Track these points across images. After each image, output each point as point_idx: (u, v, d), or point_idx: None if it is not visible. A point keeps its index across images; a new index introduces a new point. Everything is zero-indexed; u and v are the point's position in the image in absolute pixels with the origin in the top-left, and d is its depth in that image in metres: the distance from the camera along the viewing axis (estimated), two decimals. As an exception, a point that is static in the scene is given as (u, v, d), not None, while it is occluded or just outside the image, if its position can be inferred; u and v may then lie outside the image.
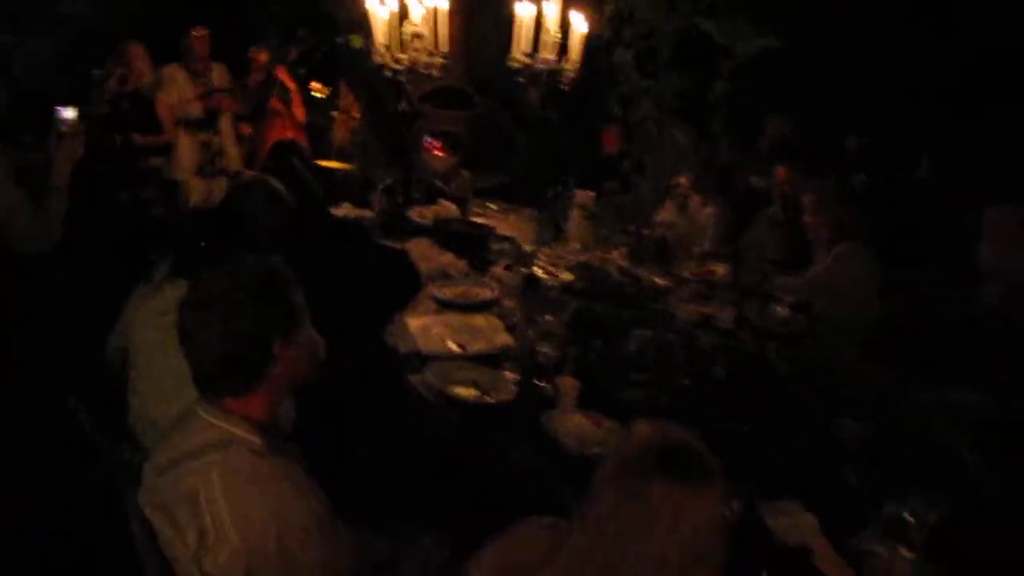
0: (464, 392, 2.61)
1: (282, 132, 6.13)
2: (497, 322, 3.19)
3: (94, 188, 3.73)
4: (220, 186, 5.48)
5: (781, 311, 3.31)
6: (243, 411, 1.62)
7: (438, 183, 4.90)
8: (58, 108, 2.78)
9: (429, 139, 5.50)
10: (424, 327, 3.09)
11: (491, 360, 2.85)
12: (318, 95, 6.22)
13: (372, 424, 2.65)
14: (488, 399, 2.59)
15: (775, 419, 2.50)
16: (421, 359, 2.83)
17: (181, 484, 1.58)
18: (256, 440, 1.60)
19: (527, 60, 4.09)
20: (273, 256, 1.79)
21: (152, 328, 2.32)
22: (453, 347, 2.94)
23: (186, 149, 5.60)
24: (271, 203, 2.61)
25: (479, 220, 4.46)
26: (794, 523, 2.04)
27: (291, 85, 6.12)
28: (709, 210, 4.30)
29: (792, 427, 2.46)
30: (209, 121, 5.70)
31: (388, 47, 4.33)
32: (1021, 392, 2.71)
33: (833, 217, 3.63)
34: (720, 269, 3.82)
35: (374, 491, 2.25)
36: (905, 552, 1.91)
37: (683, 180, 4.41)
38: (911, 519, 2.01)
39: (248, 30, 6.58)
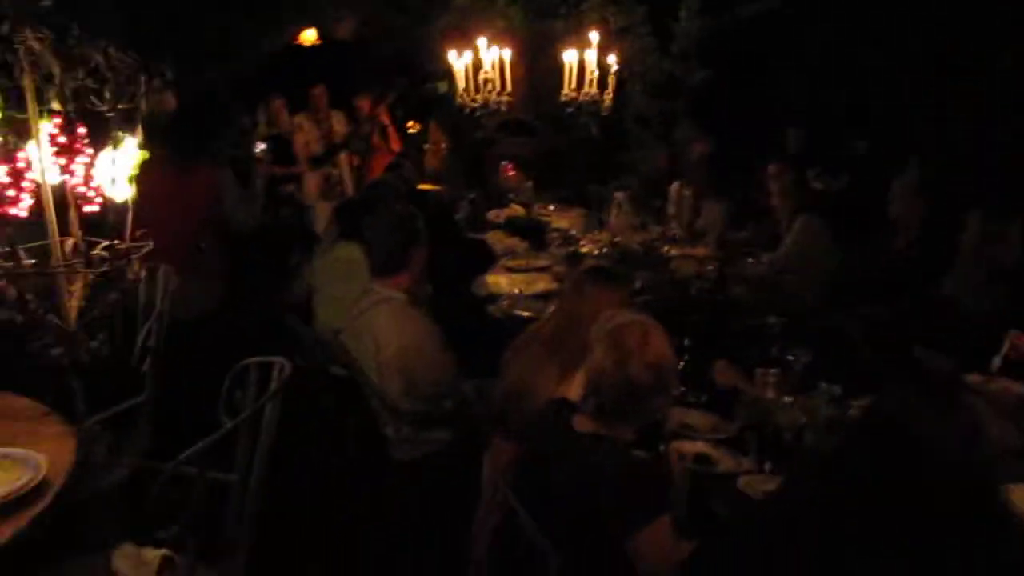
0: (525, 312, 4.20)
1: (383, 162, 7.87)
2: (548, 278, 4.77)
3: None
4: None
5: (754, 264, 4.79)
6: (396, 284, 3.24)
7: (510, 194, 6.55)
8: (258, 143, 4.52)
9: (503, 162, 7.17)
10: (497, 282, 4.71)
11: (544, 297, 4.42)
12: (412, 131, 7.97)
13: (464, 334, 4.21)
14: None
15: (726, 323, 4.00)
16: (493, 298, 4.44)
17: (365, 320, 3.20)
18: (404, 297, 3.21)
19: (574, 94, 5.69)
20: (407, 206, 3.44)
21: (330, 270, 3.99)
22: (516, 291, 4.53)
23: (312, 180, 7.38)
24: (392, 193, 4.27)
25: (541, 218, 6.06)
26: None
27: (387, 123, 7.89)
28: (712, 206, 5.79)
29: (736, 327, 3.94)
30: (328, 157, 7.48)
31: (466, 90, 5.98)
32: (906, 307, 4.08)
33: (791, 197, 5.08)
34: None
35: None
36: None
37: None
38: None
39: (355, 81, 8.41)
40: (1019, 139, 5.12)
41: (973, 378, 3.42)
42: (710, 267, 4.78)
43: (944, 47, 5.85)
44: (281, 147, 6.89)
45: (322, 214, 7.25)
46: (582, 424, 2.14)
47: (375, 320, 3.20)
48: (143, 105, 2.22)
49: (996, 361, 3.29)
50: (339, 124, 7.66)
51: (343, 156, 7.52)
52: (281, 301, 4.40)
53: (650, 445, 2.18)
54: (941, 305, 4.12)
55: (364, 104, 7.98)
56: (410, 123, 8.08)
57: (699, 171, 6.02)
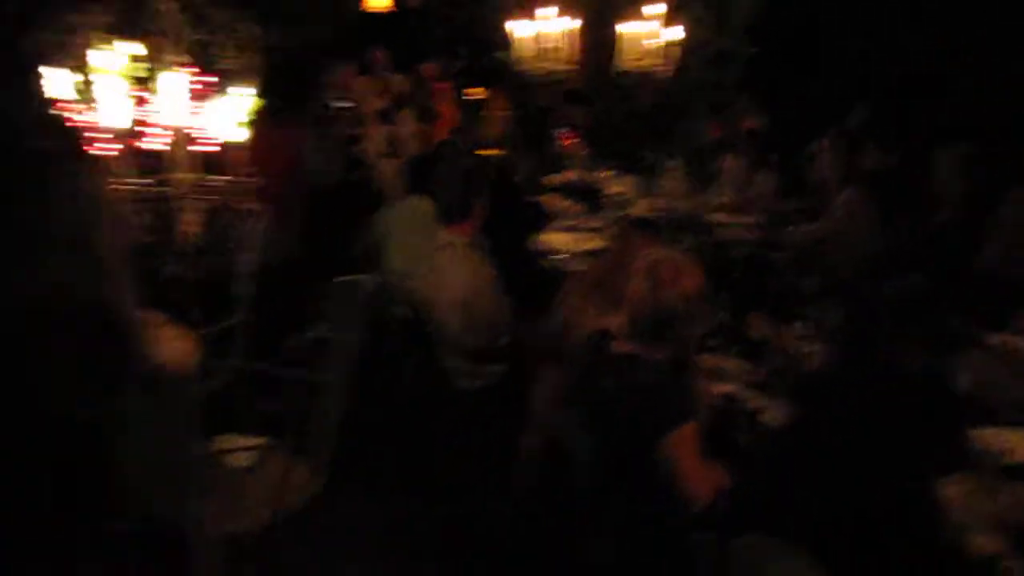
0: (579, 268, 4.56)
1: (443, 127, 8.26)
2: (601, 238, 5.13)
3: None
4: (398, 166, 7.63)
5: (796, 231, 5.10)
6: (461, 231, 3.63)
7: (566, 160, 6.91)
8: (339, 103, 4.95)
9: (560, 130, 7.52)
10: (552, 239, 5.09)
11: (596, 254, 4.79)
12: (475, 97, 8.35)
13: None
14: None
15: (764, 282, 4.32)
16: (549, 254, 4.82)
17: (432, 263, 3.61)
18: (467, 241, 3.61)
19: (633, 65, 6.02)
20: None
21: (400, 220, 4.41)
22: (570, 247, 4.91)
23: (376, 138, 7.81)
24: (458, 151, 4.66)
25: (596, 183, 6.41)
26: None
27: (447, 92, 8.30)
28: (764, 177, 6.09)
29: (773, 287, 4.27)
30: (391, 113, 7.90)
31: (532, 58, 6.32)
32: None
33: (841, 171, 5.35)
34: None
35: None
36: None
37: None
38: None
39: (420, 48, 8.82)
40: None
41: (997, 337, 3.72)
42: (754, 234, 5.10)
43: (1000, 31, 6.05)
44: (350, 109, 7.32)
45: (386, 172, 7.67)
46: (620, 347, 2.51)
47: (440, 262, 3.60)
48: (257, 60, 2.63)
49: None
50: (400, 85, 8.09)
51: (406, 117, 7.93)
52: (351, 253, 4.82)
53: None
54: (978, 276, 4.41)
55: (429, 70, 8.39)
56: (475, 90, 8.45)
57: (750, 144, 6.31)
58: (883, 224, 5.23)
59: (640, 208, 5.61)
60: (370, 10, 8.43)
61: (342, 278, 2.72)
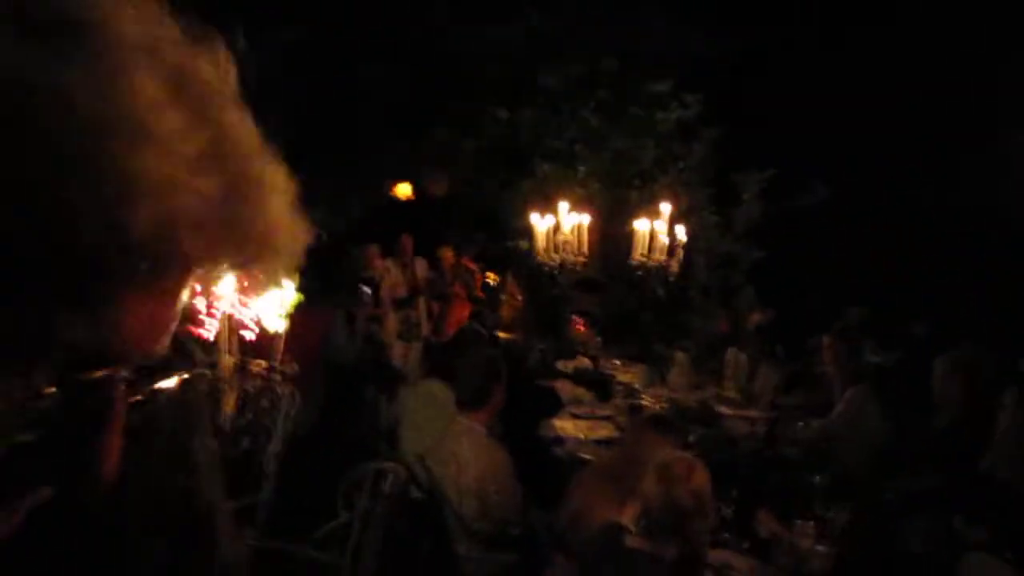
0: (588, 456, 4.68)
1: (461, 310, 8.55)
2: (611, 427, 5.25)
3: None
4: (416, 348, 7.85)
5: (804, 428, 5.22)
6: (478, 417, 3.78)
7: (578, 347, 7.13)
8: (363, 287, 5.25)
9: (574, 316, 7.79)
10: (563, 426, 5.21)
11: (605, 443, 4.90)
12: (491, 282, 8.70)
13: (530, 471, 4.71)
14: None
15: (772, 478, 4.41)
16: (559, 441, 4.93)
17: (449, 447, 3.73)
18: (483, 429, 3.74)
19: (644, 259, 6.34)
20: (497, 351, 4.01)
21: (417, 402, 4.56)
22: (580, 435, 5.02)
23: (392, 321, 8.08)
24: (479, 338, 4.86)
25: (606, 371, 6.59)
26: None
27: (475, 270, 8.66)
28: (766, 371, 6.28)
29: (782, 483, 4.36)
30: (410, 300, 8.20)
31: (545, 249, 6.67)
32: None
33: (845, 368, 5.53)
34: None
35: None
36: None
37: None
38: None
39: (438, 234, 9.27)
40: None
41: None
42: (761, 427, 5.23)
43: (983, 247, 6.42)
44: (373, 291, 7.65)
45: (399, 352, 7.89)
46: (633, 542, 2.60)
47: (458, 447, 3.72)
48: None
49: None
50: (421, 270, 8.45)
51: (422, 300, 8.24)
52: (369, 428, 4.97)
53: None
54: (979, 480, 4.49)
55: (447, 254, 8.80)
56: (490, 274, 8.82)
57: (755, 339, 6.53)
58: (887, 422, 5.35)
59: (648, 398, 5.78)
60: (398, 198, 8.93)
61: (365, 464, 2.84)
